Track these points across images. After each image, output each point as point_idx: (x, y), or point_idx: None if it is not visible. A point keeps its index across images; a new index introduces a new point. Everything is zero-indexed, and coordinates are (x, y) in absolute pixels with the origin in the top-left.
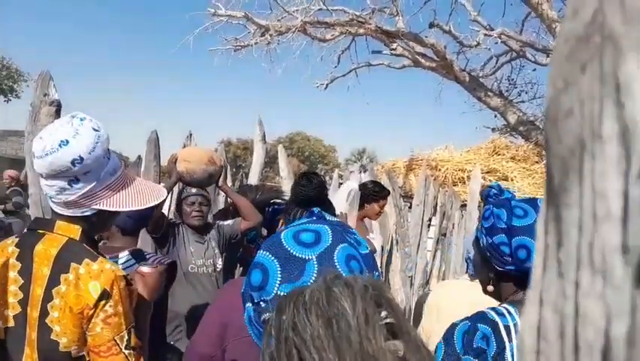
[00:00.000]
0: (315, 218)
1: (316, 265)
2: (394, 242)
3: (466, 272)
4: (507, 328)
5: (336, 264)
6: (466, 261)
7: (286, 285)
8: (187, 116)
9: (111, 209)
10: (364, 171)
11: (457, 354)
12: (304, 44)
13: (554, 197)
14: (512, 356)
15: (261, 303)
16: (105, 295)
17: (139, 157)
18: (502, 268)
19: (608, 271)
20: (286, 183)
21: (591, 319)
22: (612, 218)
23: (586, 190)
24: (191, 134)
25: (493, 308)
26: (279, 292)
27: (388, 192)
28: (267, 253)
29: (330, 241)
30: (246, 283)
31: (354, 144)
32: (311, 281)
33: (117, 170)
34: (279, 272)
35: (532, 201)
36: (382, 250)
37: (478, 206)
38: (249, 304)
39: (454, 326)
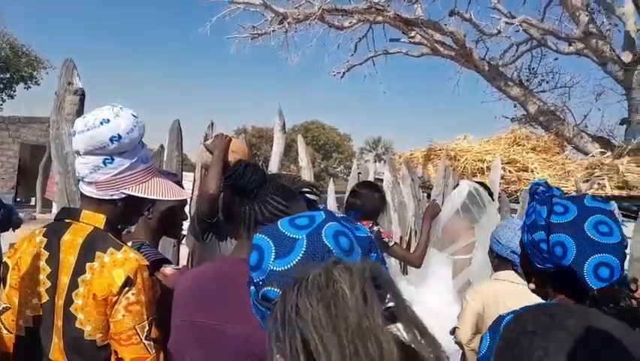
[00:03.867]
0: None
1: (305, 243)
2: (413, 233)
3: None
4: None
5: (324, 240)
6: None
7: (279, 261)
8: (204, 105)
9: (139, 195)
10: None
11: None
12: (321, 32)
13: None
14: None
15: (259, 282)
16: (129, 283)
17: (161, 146)
18: (543, 266)
19: None
20: (305, 173)
21: None
22: None
23: None
24: (212, 124)
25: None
26: (273, 268)
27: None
28: (264, 236)
29: (321, 221)
30: (248, 269)
31: (369, 133)
32: (299, 257)
33: (149, 159)
34: (273, 250)
35: (577, 199)
36: (401, 240)
37: (499, 197)
38: (252, 287)
39: (501, 318)
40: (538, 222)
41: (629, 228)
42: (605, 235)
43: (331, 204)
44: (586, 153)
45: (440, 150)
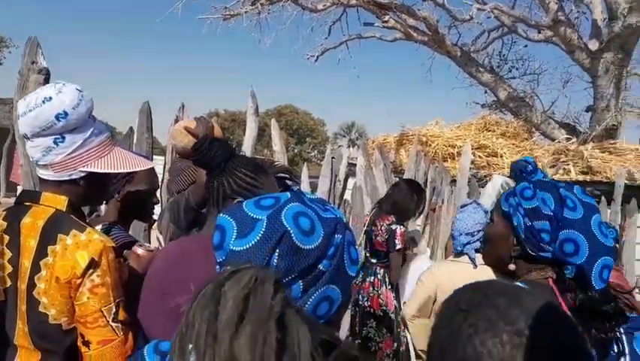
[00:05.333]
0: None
1: (265, 224)
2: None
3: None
4: None
5: (283, 220)
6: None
7: (238, 241)
8: (175, 87)
9: (100, 170)
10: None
11: None
12: (295, 14)
13: None
14: None
15: (222, 262)
16: (93, 265)
17: (130, 129)
18: (535, 254)
19: None
20: (279, 158)
21: None
22: None
23: None
24: (183, 106)
25: None
26: (233, 248)
27: None
28: (226, 216)
29: (283, 202)
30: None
31: (343, 117)
32: (257, 238)
33: (103, 132)
34: (234, 230)
35: (570, 189)
36: None
37: (469, 182)
38: (217, 267)
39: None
40: (542, 210)
41: None
42: (606, 236)
43: (305, 190)
44: (553, 139)
45: (412, 135)
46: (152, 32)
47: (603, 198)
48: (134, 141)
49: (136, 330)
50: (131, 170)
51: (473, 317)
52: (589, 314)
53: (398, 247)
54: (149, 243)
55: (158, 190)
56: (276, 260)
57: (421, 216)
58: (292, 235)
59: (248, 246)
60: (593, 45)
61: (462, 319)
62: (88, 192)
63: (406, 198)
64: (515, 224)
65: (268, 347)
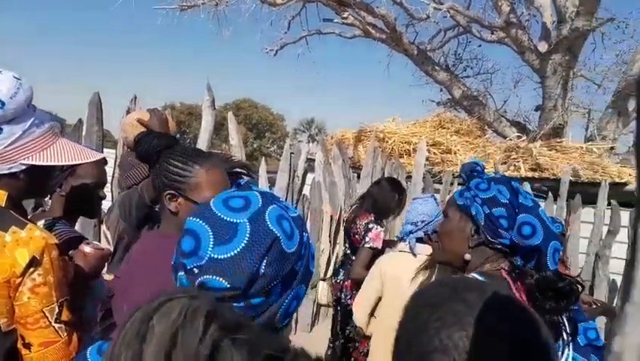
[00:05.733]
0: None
1: (249, 227)
2: (343, 211)
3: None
4: None
5: (269, 225)
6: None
7: (219, 248)
8: (129, 79)
9: (42, 163)
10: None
11: None
12: (254, 7)
13: None
14: None
15: (194, 269)
16: (34, 263)
17: (79, 120)
18: (494, 240)
19: None
20: (236, 152)
21: None
22: None
23: None
24: (135, 98)
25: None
26: (212, 255)
27: None
28: (197, 219)
29: (260, 204)
30: (176, 252)
31: (303, 113)
32: (244, 243)
33: (45, 123)
34: (211, 236)
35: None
36: (331, 219)
37: (423, 177)
38: (181, 273)
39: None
40: (499, 198)
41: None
42: (552, 224)
43: (263, 185)
44: (504, 137)
45: (370, 131)
46: (105, 21)
47: (550, 193)
48: (84, 133)
49: (82, 331)
50: (76, 162)
51: (441, 311)
52: (545, 294)
53: (368, 244)
54: (99, 240)
55: (109, 185)
56: (264, 268)
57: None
58: (281, 240)
59: (233, 253)
60: (543, 47)
61: (429, 313)
62: (29, 186)
63: (387, 197)
64: (474, 213)
65: None
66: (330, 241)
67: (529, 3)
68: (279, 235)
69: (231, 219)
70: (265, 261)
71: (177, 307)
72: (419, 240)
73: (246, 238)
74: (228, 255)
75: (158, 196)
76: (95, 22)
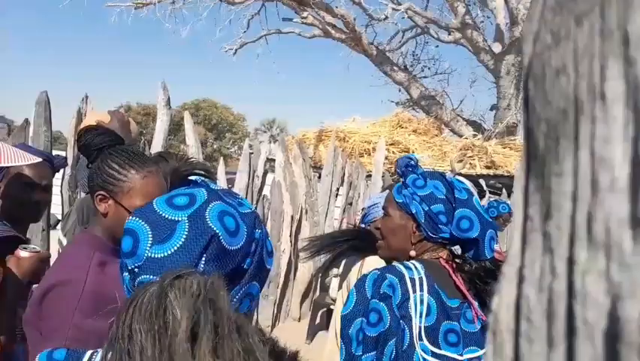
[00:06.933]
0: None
1: (187, 225)
2: (304, 211)
3: None
4: (412, 280)
5: (208, 221)
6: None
7: (157, 246)
8: (82, 79)
9: None
10: (274, 142)
11: (367, 299)
12: (212, 6)
13: (539, 165)
14: (415, 305)
15: (135, 269)
16: None
17: (26, 121)
18: (435, 235)
19: (614, 247)
20: (193, 153)
21: (592, 298)
22: (618, 188)
23: (583, 158)
24: (87, 97)
25: (401, 263)
26: (150, 255)
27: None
28: (137, 219)
29: (202, 201)
30: (120, 253)
31: (264, 113)
32: (181, 242)
33: None
34: (149, 235)
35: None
36: (292, 219)
37: (383, 176)
38: (125, 274)
39: (365, 275)
40: (436, 195)
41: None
42: (486, 212)
43: (222, 186)
44: (460, 136)
45: (330, 131)
46: (56, 19)
47: (504, 190)
48: (30, 134)
49: (11, 338)
50: (10, 164)
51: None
52: (483, 280)
53: None
54: (48, 246)
55: (58, 187)
56: (202, 265)
57: (339, 209)
58: (220, 237)
59: (170, 251)
60: (497, 48)
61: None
62: None
63: None
64: (414, 211)
65: (236, 355)
66: (290, 242)
67: (483, 5)
68: (218, 231)
69: (171, 217)
70: (204, 258)
71: (195, 281)
72: None
73: (184, 236)
74: (166, 253)
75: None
76: (45, 19)
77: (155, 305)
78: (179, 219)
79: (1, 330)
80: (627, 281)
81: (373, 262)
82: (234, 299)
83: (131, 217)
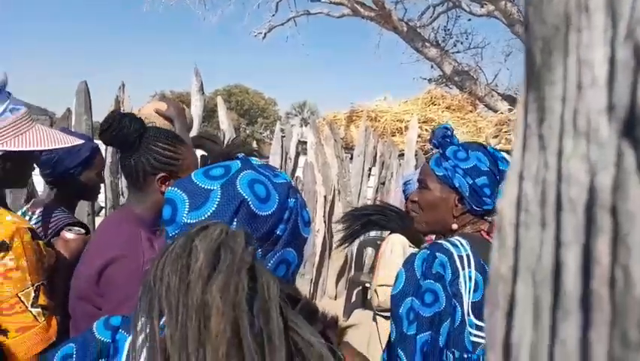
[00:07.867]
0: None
1: (220, 192)
2: (336, 192)
3: None
4: (460, 257)
5: (238, 188)
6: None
7: (192, 213)
8: (117, 68)
9: (18, 148)
10: (306, 125)
11: (417, 278)
12: None
13: (536, 79)
14: (465, 282)
15: (175, 236)
16: (4, 248)
17: (68, 110)
18: (479, 208)
19: (593, 131)
20: (228, 136)
21: (575, 178)
22: (597, 83)
23: (571, 64)
24: (123, 85)
25: (447, 240)
26: (187, 221)
27: None
28: (176, 189)
29: (235, 171)
30: (161, 221)
31: (295, 96)
32: (213, 208)
33: (20, 109)
34: (186, 203)
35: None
36: (325, 199)
37: (416, 155)
38: (168, 241)
39: (413, 255)
40: (480, 167)
41: None
42: None
43: None
44: (495, 111)
45: (361, 111)
46: (89, 9)
47: None
48: (73, 122)
49: (62, 316)
50: (53, 147)
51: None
52: None
53: None
54: (94, 228)
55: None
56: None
57: (372, 189)
58: (249, 202)
59: (204, 217)
60: None
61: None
62: (7, 173)
63: None
64: (458, 185)
65: (240, 293)
66: (324, 222)
67: None
68: (247, 197)
69: (206, 186)
70: (235, 222)
71: (217, 228)
72: None
73: (217, 202)
74: (200, 219)
75: (136, 178)
76: (78, 9)
77: (179, 249)
78: (213, 188)
79: (56, 310)
80: (602, 158)
81: (397, 240)
82: (269, 263)
83: (170, 188)
